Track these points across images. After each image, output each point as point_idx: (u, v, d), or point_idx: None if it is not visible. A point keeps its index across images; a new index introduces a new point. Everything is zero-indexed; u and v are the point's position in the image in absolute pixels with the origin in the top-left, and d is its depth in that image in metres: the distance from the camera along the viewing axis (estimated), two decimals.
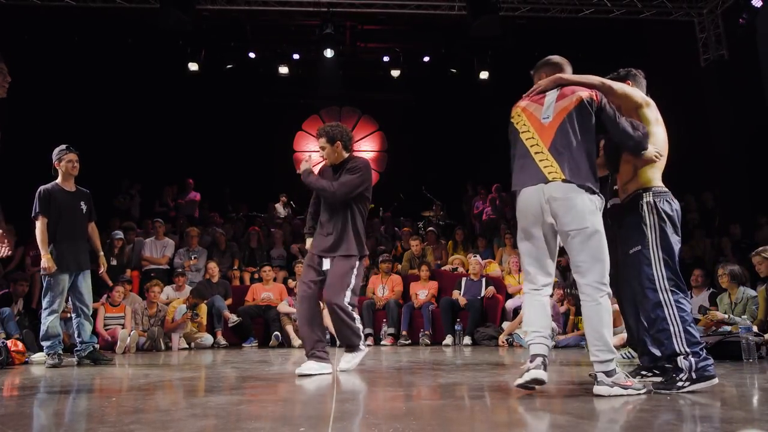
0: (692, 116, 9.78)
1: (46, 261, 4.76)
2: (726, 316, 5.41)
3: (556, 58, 3.09)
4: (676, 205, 2.95)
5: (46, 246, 4.80)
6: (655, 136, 2.99)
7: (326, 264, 3.87)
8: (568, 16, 10.34)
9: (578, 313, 6.80)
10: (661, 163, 3.02)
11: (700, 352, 2.72)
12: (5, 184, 6.03)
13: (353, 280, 3.82)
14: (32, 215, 4.86)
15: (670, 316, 2.75)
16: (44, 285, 4.86)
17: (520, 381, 2.70)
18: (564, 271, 8.54)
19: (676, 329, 2.73)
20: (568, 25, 10.54)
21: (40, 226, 4.81)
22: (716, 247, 8.42)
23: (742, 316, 5.19)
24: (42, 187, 4.89)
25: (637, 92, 3.07)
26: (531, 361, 2.70)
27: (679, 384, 2.68)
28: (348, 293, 3.78)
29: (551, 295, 6.87)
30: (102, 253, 5.32)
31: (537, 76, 3.09)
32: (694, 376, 2.69)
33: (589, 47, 10.46)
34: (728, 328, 5.13)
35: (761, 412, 2.28)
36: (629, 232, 2.97)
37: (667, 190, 2.96)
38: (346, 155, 3.97)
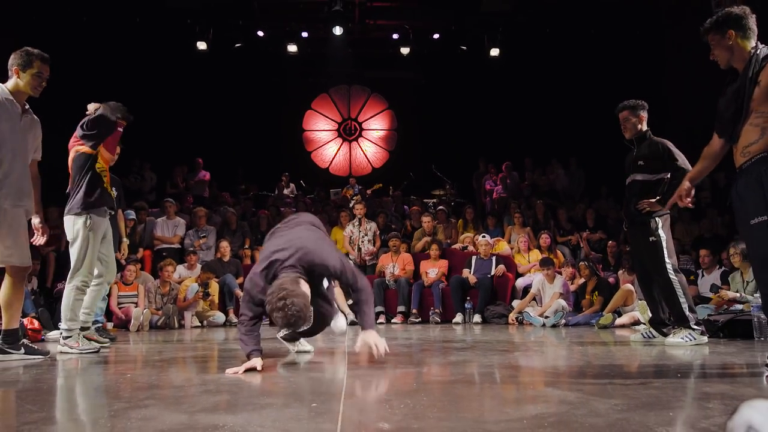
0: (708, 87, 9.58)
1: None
2: (738, 294, 5.37)
3: None
4: None
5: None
6: None
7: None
8: None
9: (597, 289, 6.66)
10: None
11: None
12: None
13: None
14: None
15: None
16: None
17: None
18: (575, 249, 8.50)
19: None
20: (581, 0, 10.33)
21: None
22: (728, 226, 8.33)
23: (754, 295, 5.15)
24: None
25: None
26: None
27: None
28: None
29: (561, 273, 6.80)
30: (126, 240, 5.46)
31: None
32: None
33: (601, 22, 10.25)
34: (740, 306, 5.11)
35: None
36: (749, 200, 2.66)
37: None
38: None
